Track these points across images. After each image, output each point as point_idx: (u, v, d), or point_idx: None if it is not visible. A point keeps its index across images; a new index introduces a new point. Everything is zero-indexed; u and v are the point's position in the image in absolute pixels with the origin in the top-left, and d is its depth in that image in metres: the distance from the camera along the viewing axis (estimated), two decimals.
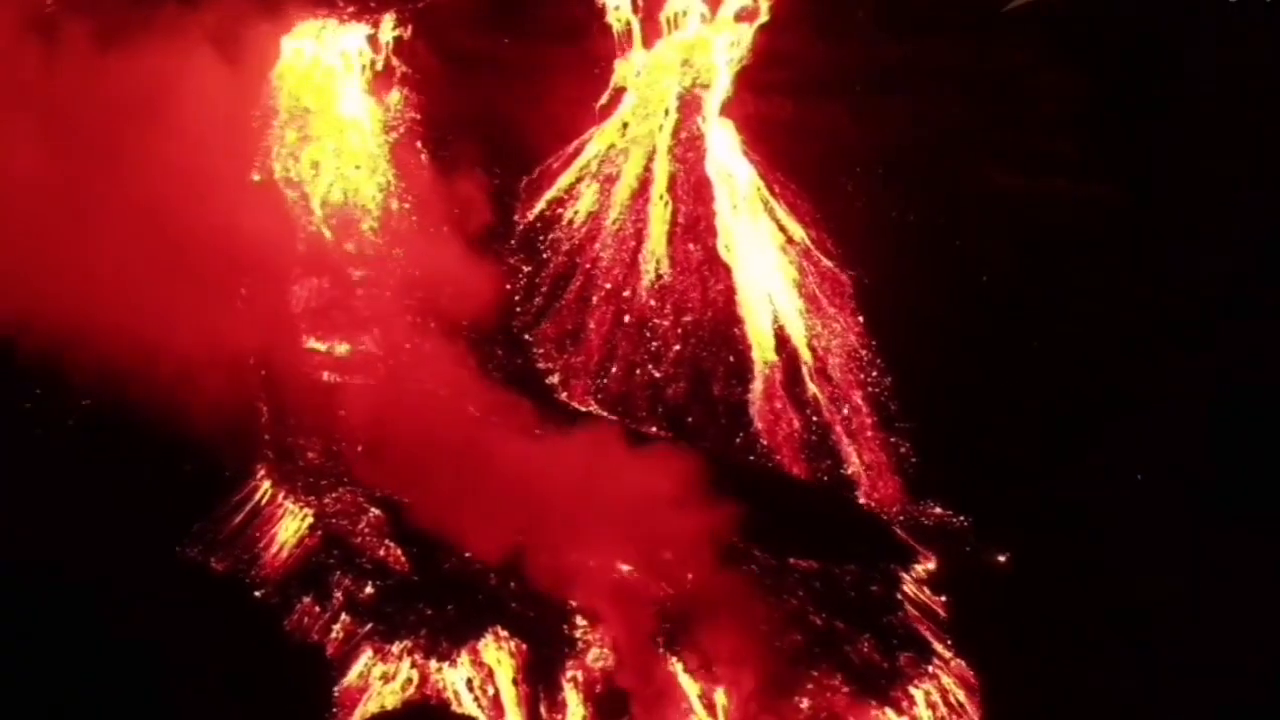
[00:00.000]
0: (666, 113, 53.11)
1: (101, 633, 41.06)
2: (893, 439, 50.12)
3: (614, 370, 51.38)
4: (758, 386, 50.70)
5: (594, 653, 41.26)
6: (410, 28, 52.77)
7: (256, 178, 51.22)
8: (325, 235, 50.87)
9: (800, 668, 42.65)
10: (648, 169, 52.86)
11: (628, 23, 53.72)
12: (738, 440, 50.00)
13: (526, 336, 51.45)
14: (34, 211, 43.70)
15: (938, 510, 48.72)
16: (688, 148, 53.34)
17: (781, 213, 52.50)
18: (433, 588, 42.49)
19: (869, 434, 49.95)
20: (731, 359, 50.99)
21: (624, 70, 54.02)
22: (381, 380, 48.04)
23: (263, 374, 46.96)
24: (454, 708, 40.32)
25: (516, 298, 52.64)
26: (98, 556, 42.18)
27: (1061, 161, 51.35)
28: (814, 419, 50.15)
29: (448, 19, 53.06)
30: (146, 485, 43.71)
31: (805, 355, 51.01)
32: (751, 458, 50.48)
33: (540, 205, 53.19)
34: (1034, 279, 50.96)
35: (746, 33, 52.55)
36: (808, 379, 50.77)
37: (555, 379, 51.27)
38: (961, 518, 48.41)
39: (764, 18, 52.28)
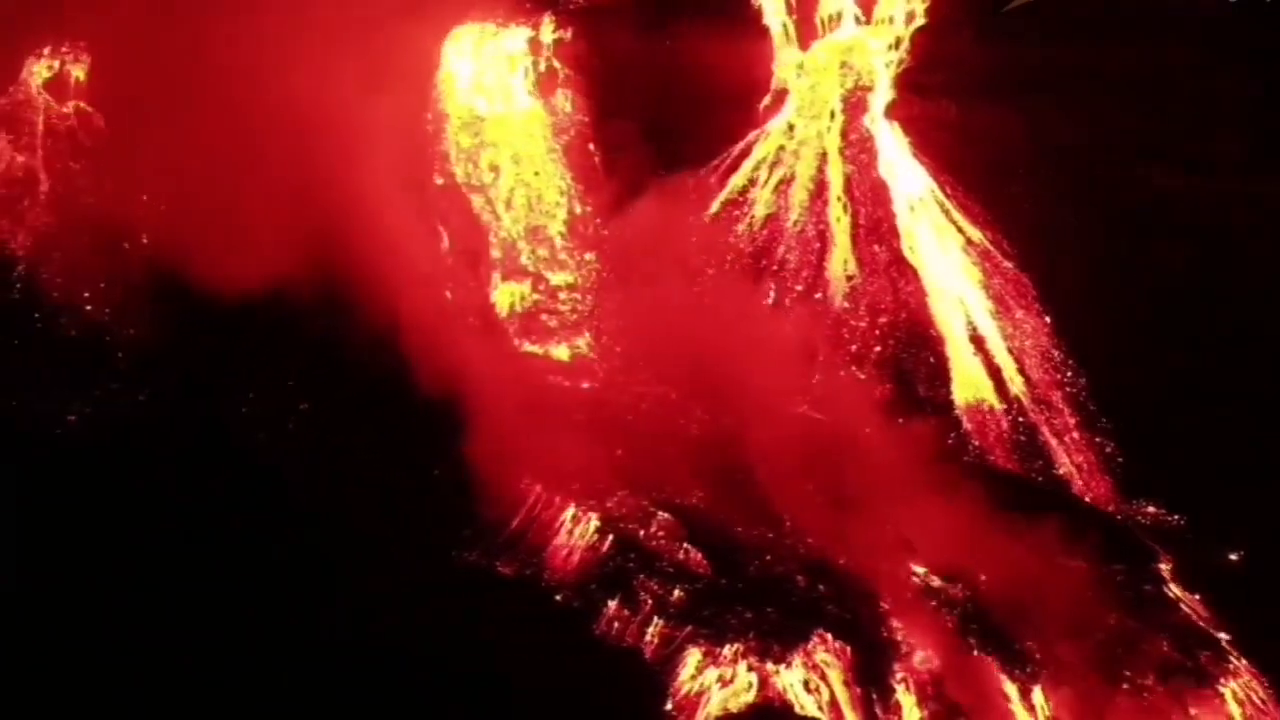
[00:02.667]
0: (832, 115, 52.10)
1: (397, 636, 38.28)
2: (1097, 439, 48.80)
3: (817, 372, 48.20)
4: (961, 387, 48.86)
5: (920, 655, 39.26)
6: (570, 30, 49.97)
7: (440, 181, 47.56)
8: (518, 241, 47.37)
9: (1111, 667, 40.59)
10: (821, 171, 51.51)
11: (784, 24, 52.14)
12: (950, 441, 47.61)
13: (723, 338, 47.98)
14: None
15: (1151, 509, 47.43)
16: (858, 149, 52.23)
17: (956, 214, 51.10)
18: (745, 590, 40.33)
19: (1074, 434, 49.13)
20: (931, 360, 49.50)
21: (783, 72, 52.47)
22: (603, 384, 44.92)
23: (490, 377, 43.07)
24: (797, 710, 36.82)
25: (705, 300, 48.78)
26: (380, 563, 39.60)
27: (1227, 160, 51.05)
28: (1020, 420, 48.65)
29: (605, 20, 50.59)
30: (408, 491, 39.96)
31: (1002, 356, 49.96)
32: (967, 459, 47.39)
33: (715, 207, 51.19)
34: (1209, 277, 50.19)
35: (904, 35, 50.57)
36: (1008, 380, 49.18)
37: (759, 379, 47.42)
38: (1176, 516, 46.80)
39: (921, 20, 50.43)
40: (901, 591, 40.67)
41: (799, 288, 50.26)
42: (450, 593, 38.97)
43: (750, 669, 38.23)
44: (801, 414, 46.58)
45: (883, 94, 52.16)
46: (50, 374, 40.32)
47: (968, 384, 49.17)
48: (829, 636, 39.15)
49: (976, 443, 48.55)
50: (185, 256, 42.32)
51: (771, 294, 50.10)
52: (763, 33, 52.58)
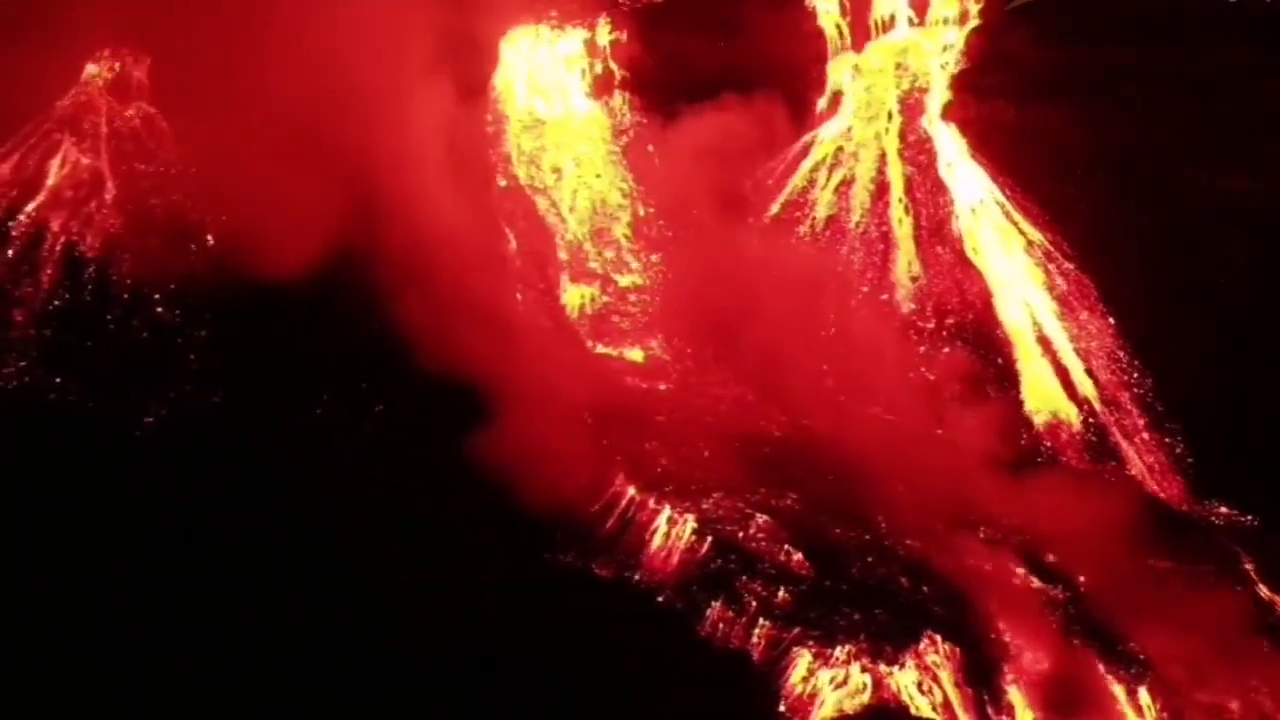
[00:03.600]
0: (890, 116, 51.67)
1: (502, 639, 37.24)
2: (1166, 439, 48.39)
3: (885, 372, 47.70)
4: (1031, 389, 48.49)
5: (1029, 656, 38.47)
6: (625, 32, 49.52)
7: (503, 183, 46.94)
8: (584, 243, 46.79)
9: (1214, 666, 40.14)
10: (881, 172, 51.13)
11: (838, 25, 51.59)
12: (1024, 442, 47.09)
13: (788, 338, 47.31)
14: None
15: (1224, 510, 47.00)
16: (917, 151, 51.98)
17: (1016, 215, 50.64)
18: (850, 592, 39.55)
19: (1144, 435, 48.85)
20: (1000, 362, 48.89)
21: (838, 73, 52.06)
22: (679, 385, 44.18)
23: (570, 379, 42.24)
24: (912, 711, 36.00)
25: (771, 301, 48.03)
26: (473, 567, 38.80)
27: None
28: (1090, 421, 48.14)
29: (661, 21, 50.08)
30: (495, 494, 38.92)
31: (1069, 358, 49.70)
32: (1041, 460, 46.94)
33: (775, 208, 50.67)
34: (1271, 275, 50.41)
35: (958, 36, 50.17)
36: (1077, 382, 48.81)
37: (829, 381, 46.94)
38: (1250, 517, 46.46)
39: (975, 22, 50.10)
40: (1005, 593, 39.91)
41: (864, 289, 49.75)
42: (548, 595, 37.94)
43: (864, 670, 37.44)
44: (874, 415, 45.09)
45: (939, 95, 51.48)
46: (125, 376, 39.03)
47: (1037, 386, 48.79)
48: (938, 638, 38.33)
49: (1049, 444, 47.06)
50: (251, 258, 41.44)
51: (837, 295, 47.86)
52: (817, 34, 51.81)
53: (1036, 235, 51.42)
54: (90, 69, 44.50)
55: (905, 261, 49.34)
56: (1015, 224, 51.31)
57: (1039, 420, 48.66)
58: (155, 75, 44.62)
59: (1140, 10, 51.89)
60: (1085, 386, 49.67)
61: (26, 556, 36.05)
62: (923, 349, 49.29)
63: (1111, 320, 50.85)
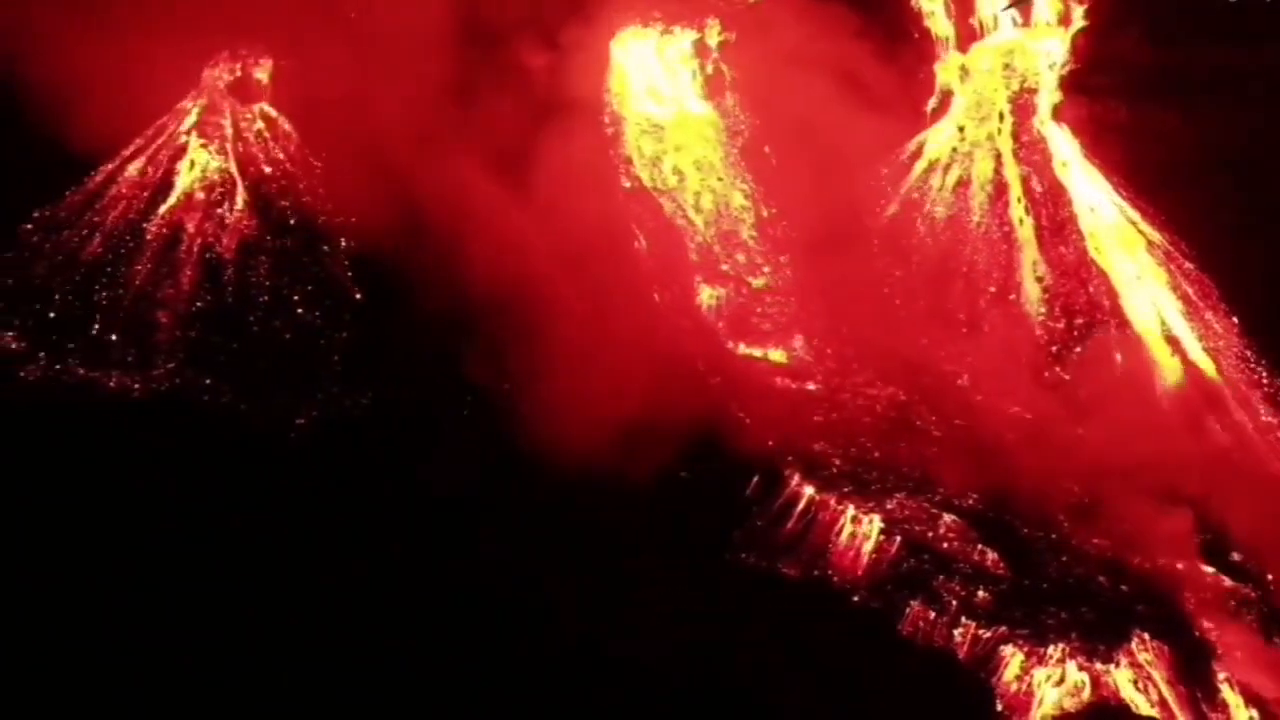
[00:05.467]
0: (1001, 117, 50.49)
1: (698, 641, 35.97)
2: None
3: (1020, 372, 46.72)
4: (1165, 389, 47.15)
5: (1238, 654, 37.11)
6: (734, 33, 48.68)
7: (627, 185, 45.53)
8: (713, 245, 45.87)
9: None
10: (998, 173, 50.05)
11: (944, 26, 50.62)
12: (1166, 443, 45.97)
13: (926, 339, 46.07)
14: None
15: None
16: (1031, 151, 50.96)
17: (1133, 215, 49.65)
18: (1050, 591, 38.64)
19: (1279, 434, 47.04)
20: (1133, 362, 47.57)
21: (946, 74, 50.77)
22: (828, 385, 42.82)
23: (716, 380, 40.59)
24: (1133, 709, 34.54)
25: (897, 301, 47.31)
26: (658, 566, 37.47)
27: None
28: (1227, 420, 46.87)
29: (767, 22, 48.87)
30: (665, 495, 37.87)
31: (1199, 357, 48.20)
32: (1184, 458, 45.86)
33: (893, 208, 49.31)
34: None
35: (1064, 37, 49.43)
36: (1209, 381, 47.55)
37: (964, 380, 45.65)
38: None
39: (1080, 23, 49.33)
40: (1199, 591, 38.92)
41: (992, 289, 48.21)
42: (740, 596, 36.88)
43: (1080, 669, 36.36)
44: (1015, 415, 43.68)
45: (1049, 96, 50.50)
46: (274, 378, 37.06)
47: (1170, 385, 46.57)
48: (1146, 636, 37.37)
49: (1188, 442, 45.60)
50: (383, 259, 40.92)
51: (965, 296, 46.61)
52: (924, 34, 50.77)
53: (1155, 235, 50.38)
54: (211, 71, 42.87)
55: (1030, 262, 48.15)
56: (1133, 224, 50.06)
57: (1178, 419, 45.88)
58: (277, 77, 42.81)
59: (1249, 8, 50.52)
60: (1218, 386, 47.42)
61: (191, 554, 34.91)
62: (1055, 349, 47.45)
63: (1235, 319, 49.24)
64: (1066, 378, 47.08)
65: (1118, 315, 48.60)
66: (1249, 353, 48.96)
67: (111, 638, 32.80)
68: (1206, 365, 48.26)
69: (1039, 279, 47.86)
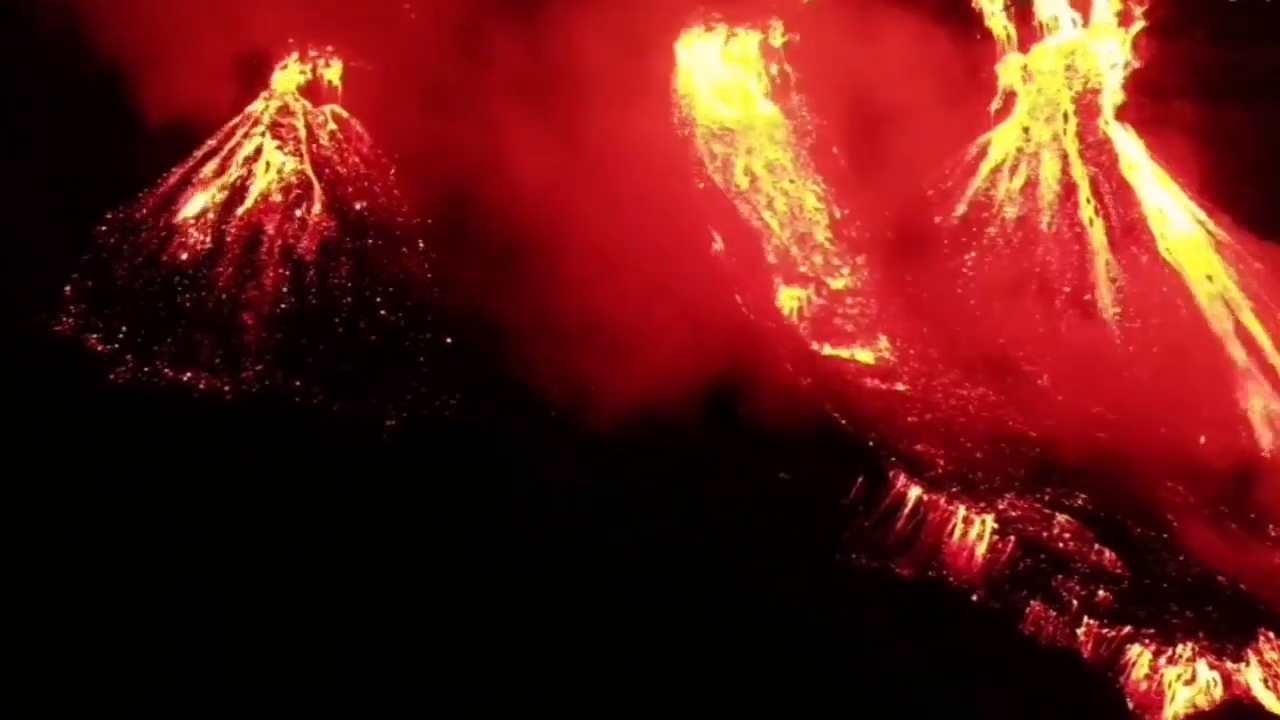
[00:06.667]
0: (1066, 117, 49.89)
1: (819, 640, 35.00)
2: None
3: (1101, 373, 46.45)
4: (1243, 388, 46.48)
5: None
6: (798, 34, 48.17)
7: (701, 186, 45.29)
8: (790, 247, 45.41)
9: None
10: (1066, 173, 49.51)
11: (1005, 27, 49.96)
12: (1242, 444, 45.28)
13: (1007, 339, 45.50)
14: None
15: None
16: (1097, 151, 50.46)
17: (1202, 215, 49.16)
18: (1171, 590, 37.94)
19: None
20: (1211, 361, 47.13)
21: (1008, 75, 50.15)
22: (916, 385, 42.04)
23: (807, 382, 39.64)
24: (1266, 707, 33.78)
25: (972, 302, 46.53)
26: (769, 568, 36.55)
27: None
28: None
29: (830, 23, 48.20)
30: (768, 497, 37.23)
31: (1274, 357, 47.30)
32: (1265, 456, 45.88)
33: (961, 208, 48.72)
34: None
35: (1124, 38, 48.94)
36: None
37: (1044, 380, 45.38)
38: None
39: (1140, 24, 48.85)
40: None
41: (1066, 289, 47.58)
42: (855, 596, 36.08)
43: (1210, 667, 35.57)
44: (1098, 415, 42.90)
45: (1113, 96, 49.97)
46: (362, 379, 35.97)
47: (1246, 385, 46.17)
48: (1272, 635, 36.44)
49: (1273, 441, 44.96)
50: (462, 260, 40.31)
51: (1040, 297, 45.85)
52: (986, 35, 50.31)
53: (1223, 235, 49.62)
54: (281, 72, 41.78)
55: (1103, 262, 47.33)
56: (1201, 224, 49.34)
57: (1255, 418, 45.20)
58: (347, 78, 41.86)
59: None
60: None
61: (286, 555, 34.11)
62: (1131, 348, 46.86)
63: None
64: (1145, 378, 45.36)
65: (1195, 315, 46.94)
66: None
67: (214, 639, 32.52)
68: None
69: (1113, 280, 46.90)
